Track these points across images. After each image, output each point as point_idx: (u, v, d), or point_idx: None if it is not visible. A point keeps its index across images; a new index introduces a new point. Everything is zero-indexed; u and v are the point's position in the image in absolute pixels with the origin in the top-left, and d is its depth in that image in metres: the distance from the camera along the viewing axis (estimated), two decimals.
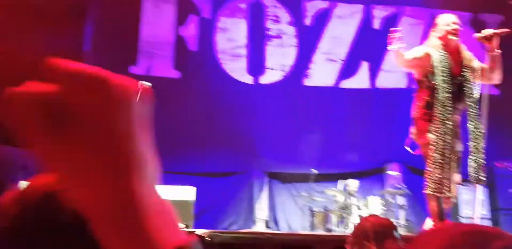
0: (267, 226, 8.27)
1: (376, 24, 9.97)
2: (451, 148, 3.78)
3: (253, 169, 8.76)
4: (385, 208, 7.19)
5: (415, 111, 4.01)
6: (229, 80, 9.19)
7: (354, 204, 7.22)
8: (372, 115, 9.19)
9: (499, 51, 3.82)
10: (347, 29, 9.77)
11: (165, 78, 9.01)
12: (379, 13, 10.02)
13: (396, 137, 8.10)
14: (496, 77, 3.83)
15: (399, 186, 7.59)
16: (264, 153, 8.80)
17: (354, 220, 6.71)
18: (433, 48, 3.94)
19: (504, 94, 9.64)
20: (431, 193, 3.78)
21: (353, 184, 7.73)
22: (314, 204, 7.54)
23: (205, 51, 9.36)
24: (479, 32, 10.15)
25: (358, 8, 9.94)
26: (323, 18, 9.77)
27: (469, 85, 3.90)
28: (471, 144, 3.86)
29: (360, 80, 9.57)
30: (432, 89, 3.84)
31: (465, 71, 3.91)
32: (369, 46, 9.72)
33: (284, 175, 8.95)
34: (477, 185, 3.97)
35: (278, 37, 9.58)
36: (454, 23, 3.98)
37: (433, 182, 3.74)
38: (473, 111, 3.86)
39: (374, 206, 7.08)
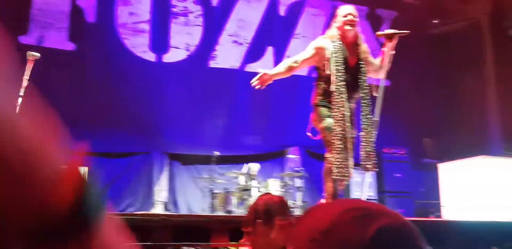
0: (166, 209, 8.10)
1: (282, 10, 10.11)
2: (346, 133, 3.91)
3: (153, 149, 8.49)
4: (284, 190, 7.37)
5: (314, 98, 4.13)
6: (130, 56, 8.74)
7: (255, 186, 7.30)
8: (275, 100, 9.34)
9: (393, 52, 4.02)
10: (254, 13, 9.79)
11: (58, 50, 8.32)
12: (285, 0, 10.16)
13: (296, 121, 8.37)
14: (382, 74, 4.04)
15: (298, 169, 7.85)
16: (165, 133, 8.55)
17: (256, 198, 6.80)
18: (330, 39, 4.05)
19: (393, 85, 10.38)
20: (337, 177, 3.89)
21: (254, 166, 7.82)
22: (215, 186, 7.51)
23: (104, 23, 8.78)
24: (375, 26, 10.82)
25: None
26: (230, 0, 9.67)
27: (363, 76, 4.08)
28: (362, 133, 4.03)
29: (265, 64, 9.64)
30: (329, 78, 3.97)
31: (361, 63, 4.04)
32: (274, 32, 9.86)
33: (185, 156, 8.78)
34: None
35: (184, 15, 9.31)
36: (350, 14, 4.06)
37: (336, 167, 3.86)
38: (366, 101, 4.05)
39: (273, 188, 7.22)
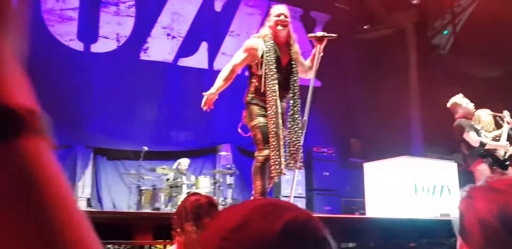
0: (90, 205, 7.76)
1: (218, 6, 10.02)
2: (279, 131, 3.94)
3: (77, 143, 8.09)
4: (214, 187, 7.31)
5: (247, 96, 4.13)
6: (55, 44, 8.28)
7: (184, 182, 7.18)
8: None
9: (322, 53, 4.14)
10: (189, 7, 9.63)
11: None
12: None
13: (228, 118, 8.31)
14: (312, 75, 4.11)
15: (229, 166, 7.81)
16: (91, 126, 8.18)
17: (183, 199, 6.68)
18: (263, 38, 4.06)
19: (323, 86, 10.64)
20: (273, 174, 3.90)
21: (184, 162, 7.70)
22: (142, 182, 7.29)
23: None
24: (308, 28, 11.02)
25: None
26: None
27: (294, 76, 4.12)
28: (287, 132, 4.04)
29: (198, 60, 9.53)
30: (261, 77, 3.97)
31: (292, 63, 4.12)
32: (209, 28, 9.75)
33: (112, 151, 8.46)
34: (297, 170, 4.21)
35: (115, 4, 8.97)
36: (283, 14, 4.06)
37: (272, 164, 3.85)
38: (294, 101, 4.08)
39: (203, 185, 7.14)
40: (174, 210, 6.43)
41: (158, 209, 6.84)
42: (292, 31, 4.23)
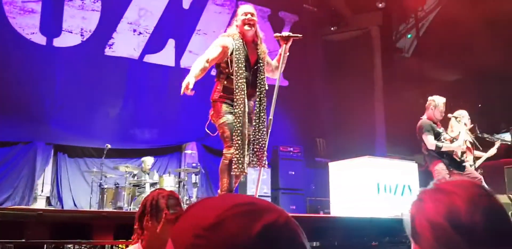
0: (50, 204, 7.55)
1: (186, 4, 9.93)
2: (245, 130, 3.96)
3: (38, 139, 7.83)
4: (179, 186, 7.24)
5: (214, 94, 4.09)
6: (16, 37, 8.01)
7: (148, 181, 7.08)
8: (173, 94, 9.10)
9: (288, 53, 4.18)
10: (156, 4, 9.50)
11: None
12: None
13: (194, 116, 8.24)
14: (278, 75, 4.14)
15: (195, 164, 7.74)
16: (52, 122, 7.94)
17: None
18: (232, 37, 4.07)
19: (290, 86, 10.72)
20: (234, 173, 3.86)
21: (148, 160, 7.59)
22: (105, 180, 7.14)
23: None
24: (276, 28, 11.07)
25: None
26: None
27: (261, 75, 4.12)
28: (252, 131, 4.04)
29: (165, 57, 9.40)
30: (230, 75, 3.98)
31: (260, 62, 4.14)
32: (177, 25, 9.65)
33: (73, 148, 8.25)
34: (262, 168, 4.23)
35: None
36: (250, 13, 4.08)
37: (234, 163, 3.83)
38: (261, 100, 4.08)
39: (168, 183, 7.05)
40: (137, 209, 6.34)
41: (120, 208, 6.72)
42: (259, 30, 4.22)
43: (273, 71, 4.25)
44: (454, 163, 5.56)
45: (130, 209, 6.63)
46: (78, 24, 8.62)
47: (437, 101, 5.67)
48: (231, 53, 3.98)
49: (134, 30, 9.15)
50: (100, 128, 8.23)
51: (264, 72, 4.12)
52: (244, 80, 3.93)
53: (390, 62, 11.51)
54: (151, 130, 8.76)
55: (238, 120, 3.87)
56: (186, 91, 3.70)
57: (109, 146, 7.40)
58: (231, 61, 3.96)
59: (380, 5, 11.18)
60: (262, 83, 4.08)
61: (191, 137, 8.72)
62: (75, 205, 7.68)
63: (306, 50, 11.03)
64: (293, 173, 8.53)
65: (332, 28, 11.68)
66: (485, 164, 7.85)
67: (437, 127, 5.65)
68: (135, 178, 7.26)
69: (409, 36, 12.20)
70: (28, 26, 8.17)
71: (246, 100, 3.92)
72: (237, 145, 3.82)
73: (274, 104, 3.85)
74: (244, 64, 3.98)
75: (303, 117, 10.25)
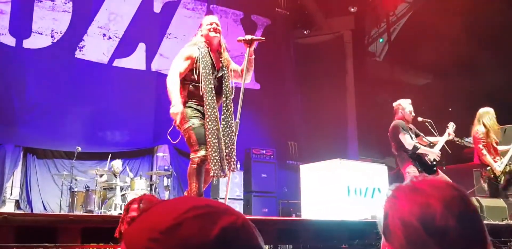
0: (19, 207, 7.40)
1: (157, 8, 9.87)
2: (219, 133, 3.95)
3: (6, 141, 7.67)
4: (150, 189, 7.19)
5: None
6: None
7: (118, 184, 7.00)
8: (145, 97, 9.05)
9: (253, 56, 4.20)
10: (127, 8, 9.42)
11: None
12: None
13: (165, 119, 8.18)
14: (248, 78, 4.27)
15: (166, 167, 7.69)
16: (21, 125, 7.78)
17: (118, 201, 6.52)
18: (197, 46, 4.12)
19: (262, 89, 10.76)
20: (215, 176, 3.86)
21: (117, 163, 7.52)
22: (75, 183, 7.04)
23: None
24: (249, 31, 11.10)
25: None
26: None
27: (226, 82, 4.18)
28: (223, 135, 4.03)
29: (135, 61, 9.33)
30: (195, 81, 4.03)
31: (223, 69, 4.19)
32: (147, 29, 9.58)
33: (43, 151, 8.10)
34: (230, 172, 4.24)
35: None
36: (214, 22, 4.21)
37: (213, 165, 3.83)
38: (227, 105, 4.14)
39: (139, 186, 6.99)
40: (108, 213, 6.25)
41: (91, 211, 6.64)
42: (223, 40, 4.30)
43: (241, 76, 4.28)
44: (425, 166, 5.64)
45: (101, 213, 6.55)
46: (48, 25, 8.48)
47: (403, 104, 5.79)
48: (197, 61, 4.03)
49: (104, 35, 9.05)
50: (70, 130, 8.11)
51: (228, 79, 4.19)
52: (212, 86, 3.98)
53: (362, 66, 11.67)
54: (122, 133, 8.68)
55: (213, 124, 3.88)
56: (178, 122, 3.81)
57: (79, 149, 7.31)
58: (196, 69, 4.01)
59: (352, 9, 11.34)
60: (227, 89, 4.14)
61: (163, 140, 8.67)
62: (44, 208, 7.55)
63: (278, 53, 11.10)
64: (266, 175, 8.57)
65: (304, 32, 11.79)
66: (453, 167, 8.02)
67: (410, 128, 5.74)
68: (106, 180, 7.18)
69: (381, 40, 12.40)
70: None
71: (216, 105, 3.96)
72: (215, 147, 3.82)
73: (241, 107, 3.91)
74: (210, 71, 4.03)
75: (274, 120, 10.29)
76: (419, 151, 5.57)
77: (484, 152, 6.08)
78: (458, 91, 9.90)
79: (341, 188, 5.67)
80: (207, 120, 3.87)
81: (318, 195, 5.90)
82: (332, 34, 11.78)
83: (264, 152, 8.82)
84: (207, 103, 3.91)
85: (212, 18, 4.30)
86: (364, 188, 5.86)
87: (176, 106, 3.78)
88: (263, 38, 4.24)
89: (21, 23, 8.25)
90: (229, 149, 4.02)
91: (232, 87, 4.19)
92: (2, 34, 8.03)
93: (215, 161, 3.81)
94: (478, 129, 6.23)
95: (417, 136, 5.78)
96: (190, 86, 4.01)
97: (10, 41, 8.11)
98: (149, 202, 2.37)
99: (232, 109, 4.10)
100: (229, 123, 4.06)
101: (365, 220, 5.26)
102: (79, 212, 6.65)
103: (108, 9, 9.16)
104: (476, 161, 6.31)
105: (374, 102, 10.78)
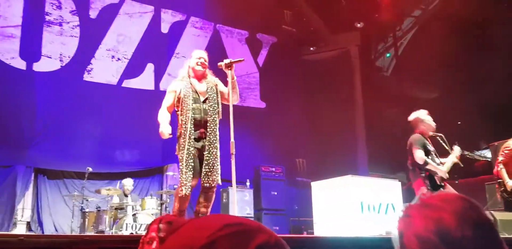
0: (30, 229, 7.38)
1: (164, 28, 10.01)
2: (191, 158, 4.31)
3: (17, 163, 7.71)
4: (160, 208, 7.15)
5: (177, 129, 4.46)
6: None
7: (129, 204, 6.98)
8: (153, 116, 9.07)
9: (235, 78, 4.47)
10: (135, 29, 9.56)
11: None
12: (168, 18, 10.10)
13: (175, 138, 8.20)
14: (234, 99, 4.51)
15: (177, 186, 7.65)
16: (32, 146, 7.85)
17: (129, 221, 6.49)
18: (183, 77, 4.52)
19: (269, 107, 10.79)
20: (180, 195, 4.27)
21: (127, 183, 7.51)
22: (86, 204, 7.02)
23: None
24: (254, 50, 11.19)
25: (148, 8, 9.84)
26: (110, 13, 9.34)
27: (211, 103, 4.43)
28: (207, 153, 4.33)
29: (144, 81, 9.42)
30: (183, 108, 4.37)
31: (209, 92, 4.48)
32: (155, 49, 9.70)
33: (54, 172, 8.13)
34: (233, 188, 4.43)
35: (59, 24, 8.77)
36: (202, 58, 4.57)
37: (180, 186, 4.26)
38: (212, 125, 4.38)
39: (150, 205, 6.95)
40: (119, 233, 6.21)
41: (102, 231, 6.60)
42: (208, 70, 4.65)
43: (228, 98, 4.51)
44: (435, 184, 5.56)
45: (112, 233, 6.51)
46: (57, 49, 8.61)
47: (421, 116, 5.70)
48: (180, 92, 4.43)
49: (113, 57, 9.17)
50: (81, 151, 8.15)
51: (214, 100, 4.50)
52: (190, 112, 4.31)
53: (369, 81, 11.68)
54: (132, 152, 8.72)
55: (189, 144, 4.25)
56: (166, 137, 4.38)
57: (90, 169, 7.31)
58: (181, 99, 4.41)
59: (359, 25, 11.41)
60: (211, 109, 4.42)
61: (173, 159, 8.67)
62: (56, 229, 7.53)
63: (284, 70, 11.15)
64: (276, 193, 8.51)
65: (311, 48, 11.86)
66: (465, 181, 7.92)
67: (429, 144, 5.65)
68: (117, 201, 7.16)
69: (388, 55, 12.42)
70: (8, 51, 8.14)
71: (191, 129, 4.30)
72: (183, 170, 4.26)
73: (232, 127, 4.17)
74: (191, 98, 4.40)
75: (282, 138, 10.27)
76: (428, 167, 5.48)
77: (501, 165, 5.99)
78: (467, 105, 9.84)
79: (354, 204, 5.61)
80: (183, 142, 4.27)
81: (330, 212, 5.83)
82: (339, 50, 11.84)
83: (274, 169, 8.78)
84: (184, 129, 4.29)
85: (201, 53, 4.63)
86: (378, 204, 5.79)
87: (161, 127, 4.39)
88: (242, 58, 4.51)
89: (31, 47, 8.38)
90: (210, 165, 4.34)
91: (218, 107, 4.48)
92: (13, 57, 8.16)
93: (184, 177, 4.23)
94: (510, 143, 6.12)
95: (426, 153, 5.68)
96: (181, 115, 4.40)
97: (21, 64, 8.23)
98: (169, 222, 2.36)
99: (216, 128, 4.40)
100: (213, 143, 4.37)
101: (380, 236, 5.19)
102: (90, 232, 6.62)
103: (116, 31, 9.30)
104: (495, 172, 6.21)
105: (383, 117, 10.74)
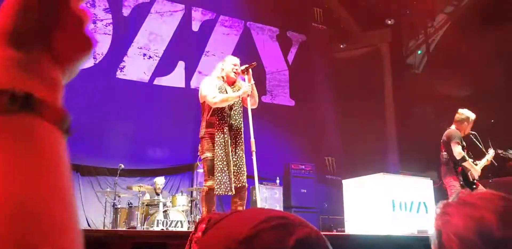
0: None
1: (195, 26, 10.09)
2: (229, 157, 4.38)
3: None
4: (191, 205, 7.22)
5: (200, 131, 4.55)
6: None
7: (161, 200, 7.07)
8: (184, 114, 9.19)
9: (253, 81, 4.57)
10: (166, 27, 9.68)
11: None
12: (198, 16, 10.18)
13: None
14: (252, 103, 4.58)
15: None
16: (66, 143, 8.02)
17: (160, 217, 6.58)
18: (218, 79, 4.61)
19: (298, 105, 10.75)
20: (219, 193, 4.32)
21: (159, 181, 7.61)
22: (118, 200, 7.15)
23: None
24: (285, 47, 11.15)
25: (179, 7, 9.94)
26: (142, 11, 9.48)
27: (235, 107, 4.54)
28: (235, 156, 4.44)
29: (175, 79, 9.53)
30: (212, 111, 4.45)
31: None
32: (186, 47, 9.79)
33: (87, 168, 8.30)
34: (256, 185, 4.63)
35: (93, 22, 8.93)
36: (237, 65, 4.67)
37: (217, 185, 4.30)
38: (237, 129, 4.51)
39: (181, 202, 7.03)
40: (150, 229, 6.30)
41: (134, 227, 6.71)
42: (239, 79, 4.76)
43: (248, 103, 4.62)
44: (467, 181, 5.51)
45: (143, 229, 6.62)
46: None
47: (471, 116, 5.68)
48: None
49: (144, 55, 9.31)
50: (113, 148, 8.30)
51: (240, 104, 4.61)
52: (224, 115, 4.46)
53: (400, 78, 11.51)
54: (163, 150, 8.84)
55: (222, 148, 4.34)
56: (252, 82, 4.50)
57: (122, 166, 7.44)
58: None
59: (389, 22, 11.25)
60: (236, 114, 4.54)
61: None
62: (88, 225, 7.69)
63: (314, 68, 11.11)
64: (305, 191, 8.49)
65: (341, 46, 11.76)
66: (498, 180, 7.73)
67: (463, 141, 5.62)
68: (148, 197, 7.27)
69: (419, 52, 12.20)
70: None
71: (227, 131, 4.41)
72: (218, 169, 4.31)
73: (252, 127, 4.37)
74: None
75: (311, 135, 10.24)
76: (464, 164, 5.44)
77: None
78: (501, 103, 9.60)
79: (385, 202, 5.55)
80: (216, 145, 4.34)
81: (362, 209, 5.79)
82: (369, 48, 11.71)
83: (303, 167, 8.76)
84: (217, 129, 4.37)
85: (236, 60, 4.74)
86: (409, 202, 5.72)
87: (242, 90, 4.46)
88: (254, 63, 4.65)
89: None
90: (238, 167, 4.46)
91: (241, 111, 4.61)
92: None
93: (217, 181, 4.28)
94: None
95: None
96: (208, 116, 4.49)
97: None
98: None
99: (242, 132, 4.54)
100: (239, 145, 4.50)
101: (412, 235, 5.12)
102: (122, 228, 6.74)
103: (147, 30, 9.43)
104: None
105: (414, 115, 10.58)
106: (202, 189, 4.50)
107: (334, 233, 6.68)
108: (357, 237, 4.94)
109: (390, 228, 5.31)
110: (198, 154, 4.56)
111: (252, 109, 4.58)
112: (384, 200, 5.57)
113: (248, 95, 4.49)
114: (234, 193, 4.39)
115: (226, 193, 4.31)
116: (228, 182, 4.32)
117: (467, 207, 0.93)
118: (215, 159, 4.32)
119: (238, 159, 4.46)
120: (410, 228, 5.36)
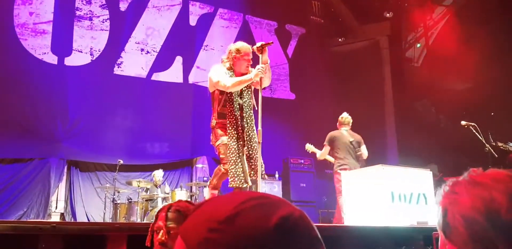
0: (64, 220, 7.57)
1: (192, 21, 10.06)
2: (243, 148, 4.33)
3: (51, 155, 7.90)
4: (190, 200, 7.22)
5: (212, 121, 4.46)
6: (29, 58, 8.16)
7: (160, 195, 7.07)
8: (182, 109, 9.19)
9: (269, 61, 4.38)
10: (163, 22, 9.64)
11: None
12: (196, 10, 10.14)
13: (204, 131, 8.27)
14: (266, 83, 4.39)
15: (206, 178, 7.73)
16: (65, 139, 8.04)
17: None
18: (228, 69, 4.46)
19: (298, 98, 10.73)
20: (234, 186, 4.22)
21: (157, 174, 7.61)
22: (118, 195, 7.16)
23: (0, 22, 8.17)
24: (283, 41, 11.09)
25: (176, 1, 9.90)
26: (139, 6, 9.44)
27: (245, 99, 4.46)
28: (248, 148, 4.37)
29: (173, 74, 9.50)
30: (223, 101, 4.36)
31: (245, 88, 4.45)
32: (184, 42, 9.76)
33: (86, 164, 8.31)
34: (258, 177, 4.45)
35: (89, 19, 8.92)
36: (248, 55, 4.47)
37: (231, 177, 4.21)
38: (248, 120, 4.42)
39: (180, 197, 7.03)
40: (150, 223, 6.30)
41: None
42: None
43: (260, 83, 4.41)
44: None
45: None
46: (87, 43, 8.77)
47: None
48: None
49: (142, 50, 9.28)
50: (112, 143, 8.30)
51: (249, 95, 4.50)
52: (235, 104, 4.37)
53: (399, 72, 11.48)
54: (162, 145, 8.83)
55: (234, 141, 4.28)
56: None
57: (121, 162, 7.45)
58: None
59: (388, 15, 11.20)
60: (246, 105, 4.45)
61: (202, 151, 8.74)
62: (89, 220, 7.69)
63: (313, 62, 11.07)
64: (304, 185, 8.48)
65: (340, 39, 11.72)
66: None
67: None
68: (148, 192, 7.27)
69: (418, 45, 12.16)
70: (40, 47, 8.33)
71: (239, 122, 4.34)
72: (232, 162, 4.22)
73: (260, 115, 4.13)
74: (235, 93, 4.40)
75: (311, 129, 10.21)
76: None
77: None
78: (500, 95, 9.58)
79: (384, 194, 5.52)
80: (228, 138, 4.27)
81: (360, 201, 5.78)
82: (368, 41, 11.67)
83: (302, 161, 8.75)
84: (228, 121, 4.30)
85: (248, 49, 4.49)
86: (409, 194, 5.70)
87: (254, 72, 4.25)
88: (271, 42, 4.40)
89: (62, 42, 8.55)
90: (253, 159, 4.35)
91: (253, 102, 4.49)
92: (45, 53, 8.34)
93: (231, 174, 4.21)
94: None
95: None
96: (218, 107, 4.39)
97: (52, 59, 8.42)
98: (178, 210, 2.21)
99: (253, 122, 4.44)
100: (252, 137, 4.40)
101: (411, 226, 5.11)
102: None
103: (145, 24, 9.40)
104: None
105: (413, 108, 10.55)
106: (218, 168, 4.41)
107: (333, 224, 6.68)
108: (356, 228, 4.93)
109: (389, 219, 5.30)
110: (211, 143, 4.47)
111: (258, 102, 4.36)
112: (383, 191, 5.55)
113: (261, 78, 4.27)
114: (250, 184, 4.31)
115: (241, 185, 4.22)
116: (242, 174, 4.24)
117: (477, 186, 0.89)
118: (228, 152, 4.24)
119: (253, 151, 4.35)
120: (409, 220, 5.35)
